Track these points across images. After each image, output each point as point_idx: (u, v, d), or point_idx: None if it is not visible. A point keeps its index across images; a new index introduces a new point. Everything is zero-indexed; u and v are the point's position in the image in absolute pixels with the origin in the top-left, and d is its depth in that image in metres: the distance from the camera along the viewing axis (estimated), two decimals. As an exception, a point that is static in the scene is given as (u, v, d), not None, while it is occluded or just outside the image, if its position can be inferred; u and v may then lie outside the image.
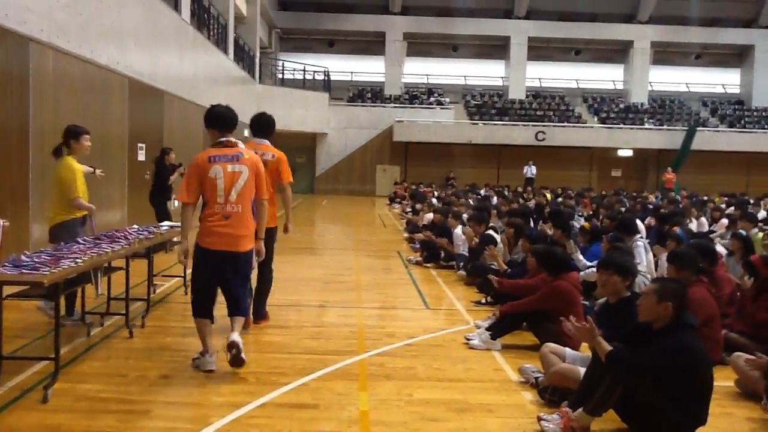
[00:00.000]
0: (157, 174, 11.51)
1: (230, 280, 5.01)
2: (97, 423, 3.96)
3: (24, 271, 4.27)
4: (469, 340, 5.94)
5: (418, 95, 33.81)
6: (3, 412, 4.05)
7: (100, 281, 5.27)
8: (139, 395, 4.43)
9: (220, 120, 5.08)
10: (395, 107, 31.77)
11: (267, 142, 6.20)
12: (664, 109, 34.62)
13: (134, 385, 4.61)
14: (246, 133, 21.20)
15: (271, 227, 6.03)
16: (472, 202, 15.28)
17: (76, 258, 4.70)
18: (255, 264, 5.39)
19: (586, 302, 6.54)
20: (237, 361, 4.83)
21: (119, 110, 12.04)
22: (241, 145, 5.17)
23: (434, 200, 17.62)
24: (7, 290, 4.51)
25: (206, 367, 4.94)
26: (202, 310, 5.01)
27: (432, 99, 33.36)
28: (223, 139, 5.03)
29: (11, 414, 4.04)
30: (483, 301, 7.74)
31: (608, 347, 3.84)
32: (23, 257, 4.59)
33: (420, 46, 35.02)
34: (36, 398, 4.27)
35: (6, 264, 4.40)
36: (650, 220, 11.35)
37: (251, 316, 6.09)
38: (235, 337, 4.87)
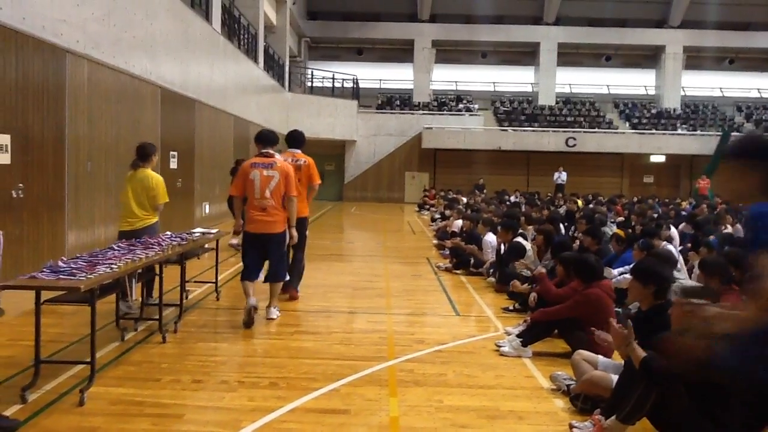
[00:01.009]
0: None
1: (268, 254, 6.75)
2: (131, 426, 4.02)
3: (61, 276, 4.36)
4: (499, 347, 5.91)
5: (446, 102, 33.78)
6: (41, 415, 4.14)
7: (135, 287, 5.35)
8: (172, 399, 4.49)
9: (263, 138, 6.86)
10: (424, 114, 31.79)
11: (299, 151, 7.85)
12: (698, 114, 34.11)
13: (167, 389, 4.68)
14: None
15: (304, 216, 7.69)
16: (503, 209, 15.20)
17: (112, 264, 4.79)
18: (288, 243, 6.91)
19: (619, 309, 6.46)
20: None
21: (151, 119, 12.25)
22: (277, 156, 6.84)
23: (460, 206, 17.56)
24: (45, 295, 4.60)
25: (247, 306, 6.48)
26: (246, 276, 6.68)
27: (461, 106, 33.30)
28: (264, 151, 6.74)
29: (49, 417, 4.12)
30: (511, 307, 7.70)
31: (643, 353, 3.79)
32: (60, 263, 4.69)
33: (448, 53, 35.03)
34: (72, 401, 4.36)
35: (44, 269, 4.50)
36: (684, 227, 11.19)
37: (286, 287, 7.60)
38: (271, 312, 6.81)
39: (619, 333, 3.93)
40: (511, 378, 5.19)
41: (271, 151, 6.75)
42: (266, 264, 6.93)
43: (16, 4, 7.80)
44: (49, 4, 8.54)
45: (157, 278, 6.27)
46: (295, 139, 7.92)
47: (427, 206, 24.41)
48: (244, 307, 6.47)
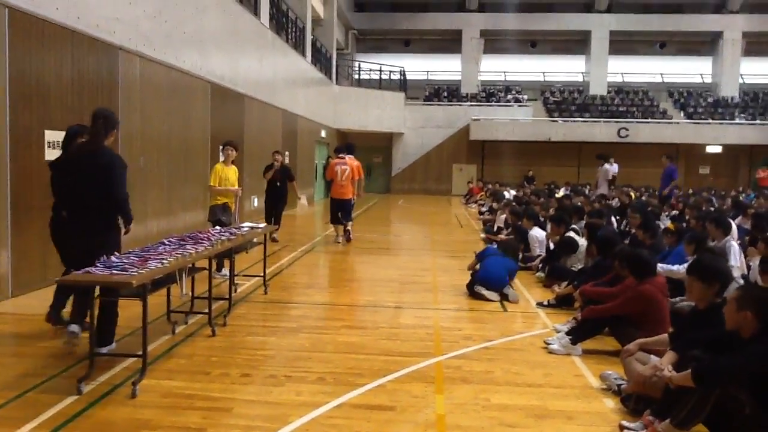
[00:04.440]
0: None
1: (342, 209, 12.62)
2: (182, 419, 4.09)
3: (114, 272, 4.46)
4: (548, 344, 5.82)
5: (495, 93, 33.40)
6: (96, 406, 4.24)
7: (185, 281, 5.44)
8: (222, 393, 4.56)
9: (339, 149, 13.22)
10: (472, 105, 31.53)
11: (352, 157, 12.90)
12: (757, 102, 32.94)
13: (217, 383, 4.75)
14: (323, 133, 21.98)
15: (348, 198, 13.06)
16: (552, 201, 14.97)
17: (163, 259, 4.88)
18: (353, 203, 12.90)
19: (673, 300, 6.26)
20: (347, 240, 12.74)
21: (201, 114, 12.44)
22: (348, 157, 12.66)
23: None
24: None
25: (336, 236, 12.82)
26: (333, 221, 12.78)
27: (509, 96, 32.89)
28: (341, 155, 12.80)
29: (104, 408, 4.23)
30: (546, 302, 7.60)
31: (688, 372, 3.62)
32: (113, 258, 4.80)
33: (497, 42, 34.62)
34: (125, 393, 4.46)
35: (98, 265, 4.61)
36: (741, 220, 10.82)
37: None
38: (348, 235, 12.62)
39: (656, 380, 3.83)
40: (559, 376, 5.10)
41: (344, 156, 12.70)
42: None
43: (71, 4, 7.99)
44: (103, 3, 8.73)
45: (230, 259, 6.92)
46: (349, 149, 13.16)
47: (474, 200, 24.18)
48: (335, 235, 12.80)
